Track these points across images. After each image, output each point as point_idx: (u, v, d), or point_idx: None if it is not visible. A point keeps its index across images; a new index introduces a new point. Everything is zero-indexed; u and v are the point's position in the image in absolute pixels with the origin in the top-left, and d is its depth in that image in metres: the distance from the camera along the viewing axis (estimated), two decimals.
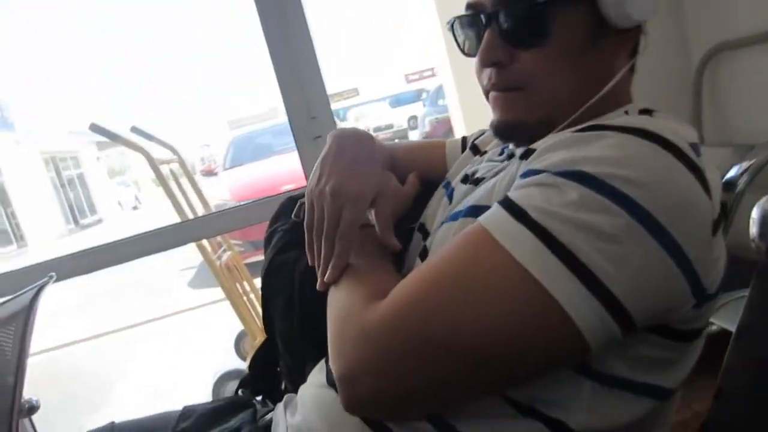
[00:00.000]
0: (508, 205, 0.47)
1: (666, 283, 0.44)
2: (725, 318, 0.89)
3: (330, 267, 0.61)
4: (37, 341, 1.00)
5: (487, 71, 0.60)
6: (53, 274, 1.06)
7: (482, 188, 0.60)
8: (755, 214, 0.95)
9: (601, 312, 0.42)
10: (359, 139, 0.69)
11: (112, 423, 0.83)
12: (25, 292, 1.01)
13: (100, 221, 18.13)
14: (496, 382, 0.47)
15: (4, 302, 1.04)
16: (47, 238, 13.81)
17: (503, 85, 0.60)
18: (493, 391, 0.49)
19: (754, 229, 0.94)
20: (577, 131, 0.49)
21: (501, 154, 0.69)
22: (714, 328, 0.97)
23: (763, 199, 0.94)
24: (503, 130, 0.62)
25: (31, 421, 1.50)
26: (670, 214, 0.43)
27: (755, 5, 1.23)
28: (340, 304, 0.56)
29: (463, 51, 0.66)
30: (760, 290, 0.41)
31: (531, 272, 0.42)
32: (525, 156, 0.54)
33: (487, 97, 0.64)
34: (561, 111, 0.57)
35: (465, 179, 0.67)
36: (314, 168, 0.67)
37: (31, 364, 1.00)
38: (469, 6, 0.62)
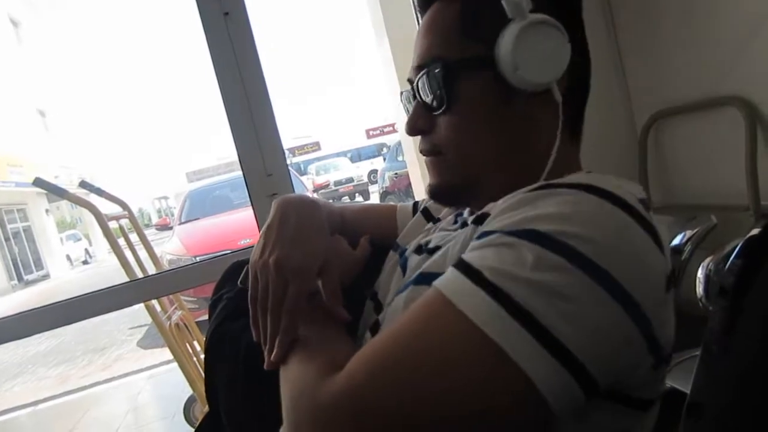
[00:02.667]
0: (463, 267, 0.45)
1: (625, 341, 0.43)
2: (676, 378, 0.89)
3: (276, 344, 0.58)
4: None
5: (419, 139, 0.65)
6: None
7: (435, 256, 0.58)
8: (701, 274, 0.98)
9: (563, 374, 0.40)
10: (304, 206, 0.68)
11: None
12: None
13: (46, 277, 17.27)
14: None
15: None
16: None
17: (427, 150, 0.64)
18: None
19: (700, 288, 0.97)
20: (527, 192, 0.49)
21: (455, 222, 0.69)
22: (666, 386, 0.97)
23: (707, 260, 0.97)
24: (433, 194, 0.65)
25: None
26: (626, 271, 0.42)
27: (692, 74, 1.32)
28: (292, 382, 0.52)
29: None
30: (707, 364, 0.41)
31: (489, 335, 0.41)
32: (479, 221, 0.54)
33: None
34: (483, 171, 0.60)
35: (419, 250, 0.66)
36: (258, 238, 0.65)
37: None
38: (408, 80, 0.66)
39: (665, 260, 0.46)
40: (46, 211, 18.45)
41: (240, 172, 1.54)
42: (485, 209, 0.55)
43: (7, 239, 16.14)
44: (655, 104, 1.43)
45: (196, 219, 5.57)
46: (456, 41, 0.59)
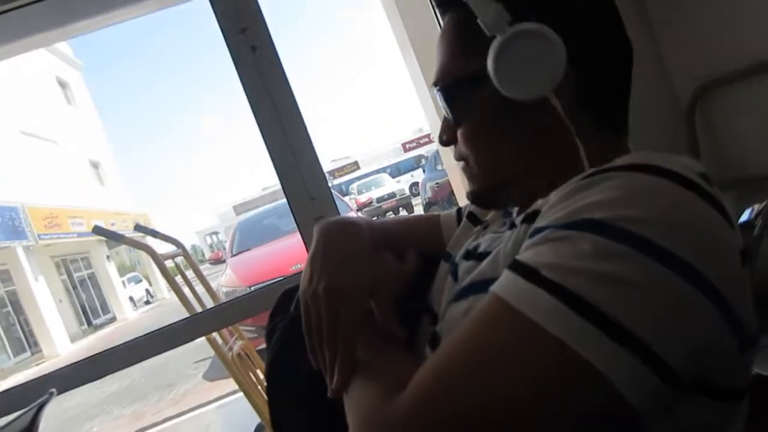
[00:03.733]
0: (517, 267, 0.44)
1: (703, 324, 0.40)
2: (761, 363, 0.83)
3: (337, 372, 0.57)
4: None
5: None
6: (53, 390, 1.02)
7: (486, 261, 0.57)
8: None
9: (635, 363, 0.38)
10: (346, 228, 0.68)
11: None
12: (24, 412, 0.96)
13: (113, 320, 18.07)
14: None
15: (3, 426, 0.99)
16: (61, 342, 13.73)
17: (457, 158, 0.65)
18: None
19: None
20: (577, 182, 0.47)
21: (503, 225, 0.67)
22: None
23: None
24: (471, 199, 0.66)
25: None
26: (693, 249, 0.40)
27: (734, 40, 1.25)
28: (358, 405, 0.51)
29: None
30: None
31: (551, 332, 0.39)
32: (529, 219, 0.52)
33: None
34: (507, 178, 0.60)
35: (468, 255, 0.64)
36: (305, 267, 0.65)
37: None
38: None
39: (736, 234, 0.43)
40: (107, 257, 19.34)
41: (285, 200, 1.57)
42: (535, 207, 0.52)
43: (74, 287, 17.06)
44: (697, 77, 1.36)
45: (247, 250, 5.67)
46: (458, 56, 0.59)
